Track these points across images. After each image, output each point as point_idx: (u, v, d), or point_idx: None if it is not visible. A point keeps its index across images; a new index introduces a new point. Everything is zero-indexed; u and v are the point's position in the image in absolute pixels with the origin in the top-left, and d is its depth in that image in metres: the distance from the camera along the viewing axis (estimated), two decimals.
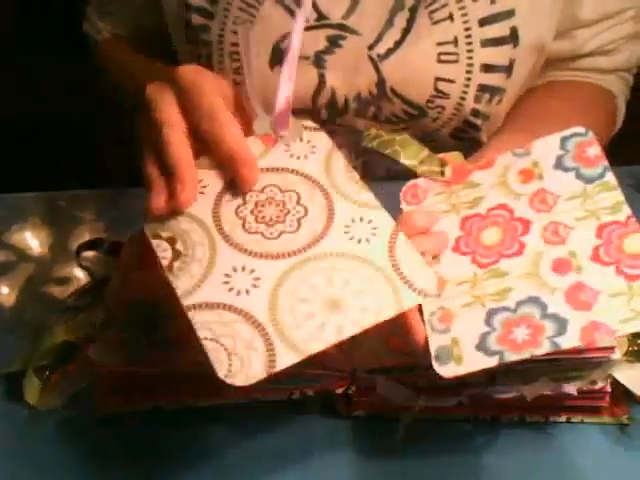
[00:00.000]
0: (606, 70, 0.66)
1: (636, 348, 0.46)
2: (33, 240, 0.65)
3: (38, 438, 0.47)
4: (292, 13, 0.58)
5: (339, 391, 0.46)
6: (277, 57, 0.60)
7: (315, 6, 0.58)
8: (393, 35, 0.58)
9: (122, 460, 0.46)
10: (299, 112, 0.63)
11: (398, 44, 0.58)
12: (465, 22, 0.57)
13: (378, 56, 0.59)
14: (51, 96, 1.08)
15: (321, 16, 0.59)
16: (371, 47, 0.59)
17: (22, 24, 1.05)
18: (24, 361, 0.50)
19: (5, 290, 0.59)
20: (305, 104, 0.63)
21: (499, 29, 0.58)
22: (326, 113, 0.63)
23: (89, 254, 0.57)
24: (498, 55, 0.59)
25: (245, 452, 0.46)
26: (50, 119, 1.10)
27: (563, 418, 0.46)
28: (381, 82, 0.60)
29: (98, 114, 1.06)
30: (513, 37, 0.58)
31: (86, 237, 0.63)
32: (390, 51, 0.58)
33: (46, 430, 0.48)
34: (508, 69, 0.59)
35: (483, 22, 0.57)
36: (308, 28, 0.59)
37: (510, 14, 0.57)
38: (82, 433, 0.47)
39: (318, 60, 0.60)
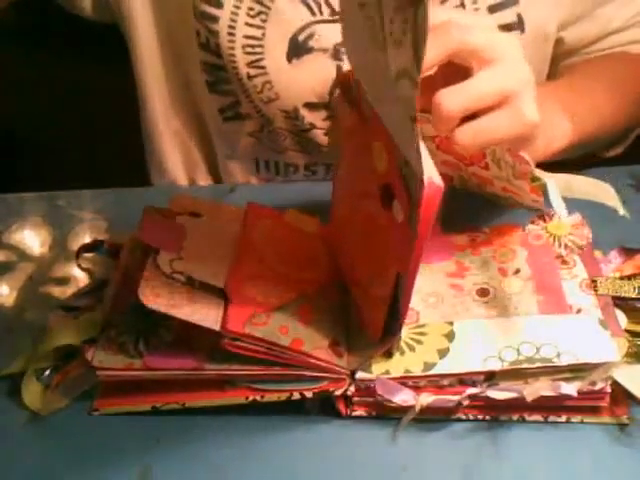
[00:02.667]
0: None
1: (636, 349, 0.46)
2: (33, 240, 0.65)
3: (37, 439, 0.47)
4: (307, 4, 0.58)
5: (338, 392, 0.46)
6: (294, 50, 0.60)
7: (327, 2, 0.58)
8: None
9: (122, 461, 0.46)
10: (316, 106, 0.65)
11: None
12: (476, 9, 0.58)
13: None
14: (51, 95, 1.08)
15: (334, 11, 0.59)
16: None
17: (22, 23, 1.05)
18: (23, 363, 0.50)
19: (5, 290, 0.59)
20: (322, 98, 0.64)
21: (507, 15, 0.59)
22: None
23: (89, 256, 0.57)
24: None
25: (244, 453, 0.46)
26: (50, 119, 1.10)
27: (563, 418, 0.46)
28: None
29: (97, 114, 1.06)
30: (520, 23, 0.59)
31: (86, 237, 0.63)
32: None
33: (45, 431, 0.48)
34: None
35: (492, 9, 0.59)
36: (324, 21, 0.59)
37: (515, 1, 0.58)
38: (81, 434, 0.47)
39: (336, 52, 0.60)
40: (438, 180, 0.36)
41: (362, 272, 0.49)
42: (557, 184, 0.44)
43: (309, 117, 0.65)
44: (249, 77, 0.63)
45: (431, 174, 0.36)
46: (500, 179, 0.49)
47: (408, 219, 0.39)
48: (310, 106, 0.64)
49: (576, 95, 0.58)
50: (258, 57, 0.62)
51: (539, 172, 0.44)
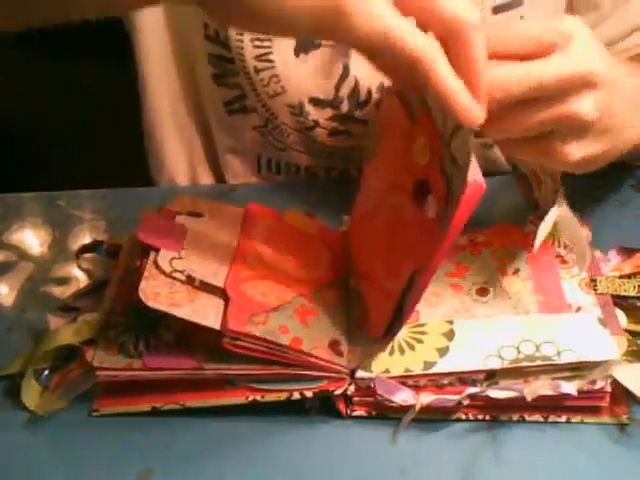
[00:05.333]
0: None
1: (635, 348, 0.46)
2: (33, 240, 0.65)
3: (37, 439, 0.47)
4: None
5: (338, 392, 0.46)
6: (302, 45, 0.61)
7: None
8: None
9: (122, 461, 0.46)
10: (321, 102, 0.65)
11: None
12: (481, 10, 0.58)
13: None
14: (50, 95, 1.08)
15: None
16: None
17: None
18: (23, 363, 0.50)
19: (5, 290, 0.60)
20: (328, 94, 0.64)
21: (511, 17, 0.59)
22: (348, 104, 0.64)
23: (89, 256, 0.57)
24: None
25: (243, 453, 0.46)
26: (50, 118, 1.10)
27: (563, 418, 0.46)
28: None
29: (97, 113, 1.06)
30: None
31: (86, 237, 0.63)
32: None
33: (45, 431, 0.48)
34: None
35: (496, 10, 0.59)
36: None
37: (519, 3, 0.59)
38: (81, 434, 0.47)
39: (344, 49, 0.61)
40: (481, 180, 0.37)
41: (379, 265, 0.49)
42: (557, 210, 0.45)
43: (314, 114, 0.65)
44: (256, 70, 0.63)
45: (476, 174, 0.37)
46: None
47: (440, 217, 0.39)
48: (315, 102, 0.65)
49: None
50: (266, 51, 0.62)
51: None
